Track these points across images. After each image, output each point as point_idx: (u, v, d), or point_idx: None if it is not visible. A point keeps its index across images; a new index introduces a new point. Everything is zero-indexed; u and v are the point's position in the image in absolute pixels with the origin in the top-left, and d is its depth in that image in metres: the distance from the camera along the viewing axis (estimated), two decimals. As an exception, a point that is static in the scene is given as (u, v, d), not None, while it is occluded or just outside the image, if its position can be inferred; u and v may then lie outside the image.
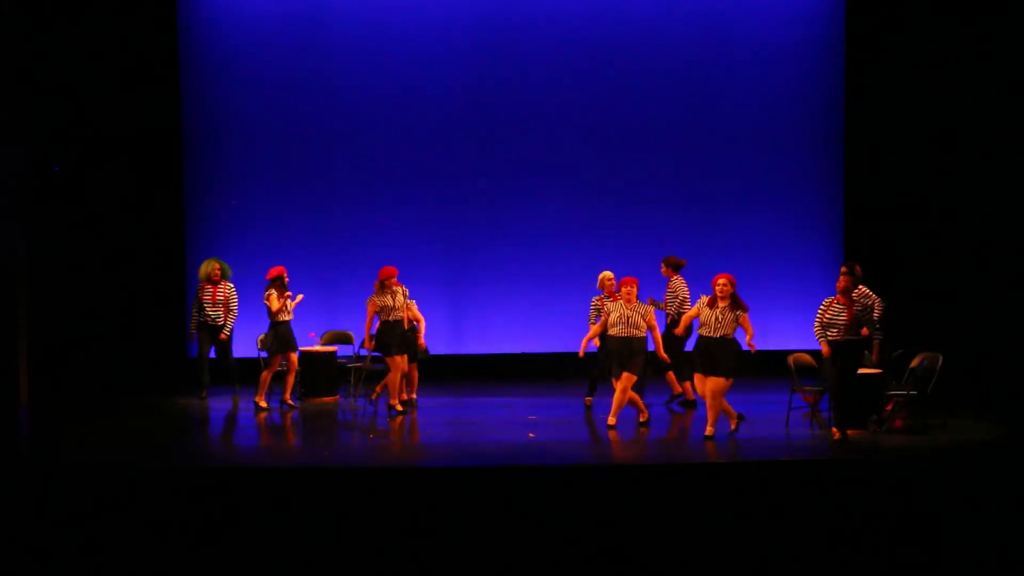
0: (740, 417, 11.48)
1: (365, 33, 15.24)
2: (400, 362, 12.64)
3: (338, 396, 13.80)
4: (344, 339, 14.24)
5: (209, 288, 13.64)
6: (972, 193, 14.52)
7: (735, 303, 11.26)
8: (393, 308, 12.64)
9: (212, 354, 13.86)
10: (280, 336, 13.02)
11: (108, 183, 14.66)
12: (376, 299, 12.68)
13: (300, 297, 13.12)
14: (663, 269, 13.18)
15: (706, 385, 11.28)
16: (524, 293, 14.26)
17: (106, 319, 14.66)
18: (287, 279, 13.07)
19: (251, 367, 14.05)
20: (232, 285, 13.76)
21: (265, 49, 15.18)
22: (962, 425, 11.73)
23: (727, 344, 11.20)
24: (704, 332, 11.29)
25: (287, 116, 15.27)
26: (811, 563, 9.43)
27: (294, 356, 13.16)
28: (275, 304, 12.93)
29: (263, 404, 13.12)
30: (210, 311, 13.63)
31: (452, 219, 15.37)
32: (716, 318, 11.24)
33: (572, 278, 14.80)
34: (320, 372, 13.66)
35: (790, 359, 12.01)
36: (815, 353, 12.29)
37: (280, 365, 13.19)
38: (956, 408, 12.33)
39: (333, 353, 13.97)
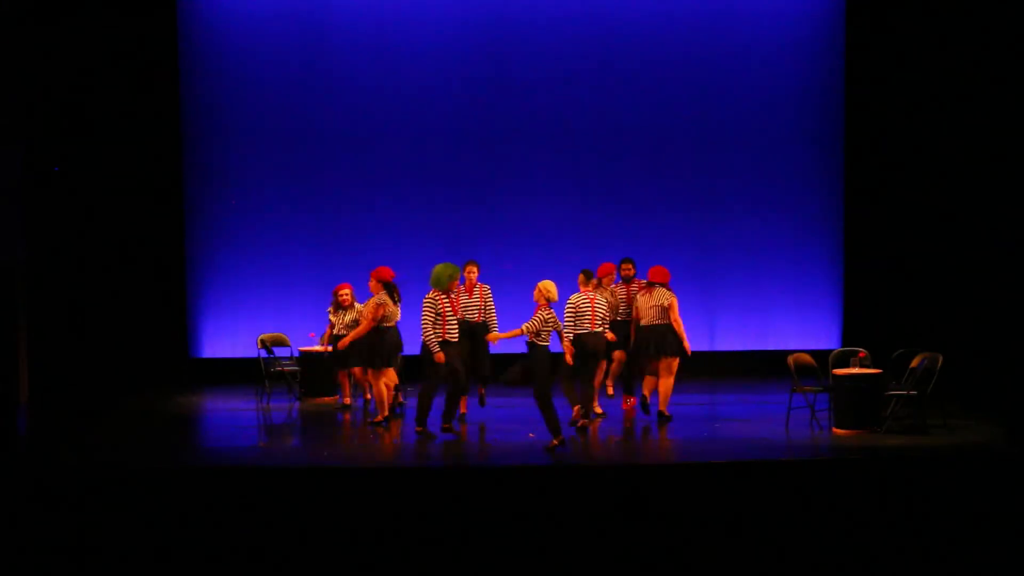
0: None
1: (365, 33, 15.23)
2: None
3: (338, 396, 13.80)
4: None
5: (448, 298, 11.53)
6: (972, 193, 14.51)
7: None
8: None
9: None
10: (393, 342, 12.52)
11: (108, 183, 14.66)
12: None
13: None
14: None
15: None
16: (525, 293, 14.17)
17: (106, 319, 14.65)
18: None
19: (251, 366, 14.05)
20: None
21: (265, 49, 15.17)
22: (962, 425, 11.73)
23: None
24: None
25: (287, 115, 15.26)
26: (810, 563, 9.43)
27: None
28: (391, 308, 12.52)
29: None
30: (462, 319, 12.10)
31: (453, 218, 15.37)
32: None
33: (573, 278, 14.77)
34: (320, 372, 13.63)
35: (790, 359, 11.99)
36: (815, 353, 12.29)
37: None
38: (956, 408, 12.33)
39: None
